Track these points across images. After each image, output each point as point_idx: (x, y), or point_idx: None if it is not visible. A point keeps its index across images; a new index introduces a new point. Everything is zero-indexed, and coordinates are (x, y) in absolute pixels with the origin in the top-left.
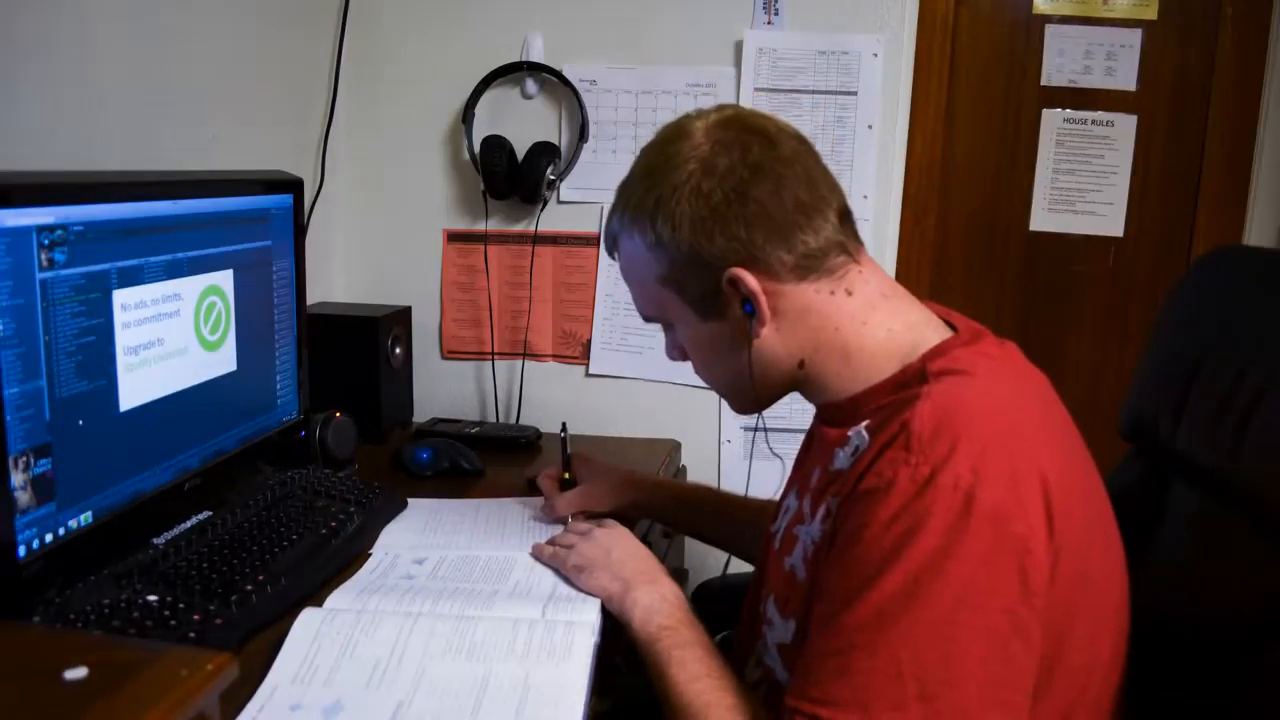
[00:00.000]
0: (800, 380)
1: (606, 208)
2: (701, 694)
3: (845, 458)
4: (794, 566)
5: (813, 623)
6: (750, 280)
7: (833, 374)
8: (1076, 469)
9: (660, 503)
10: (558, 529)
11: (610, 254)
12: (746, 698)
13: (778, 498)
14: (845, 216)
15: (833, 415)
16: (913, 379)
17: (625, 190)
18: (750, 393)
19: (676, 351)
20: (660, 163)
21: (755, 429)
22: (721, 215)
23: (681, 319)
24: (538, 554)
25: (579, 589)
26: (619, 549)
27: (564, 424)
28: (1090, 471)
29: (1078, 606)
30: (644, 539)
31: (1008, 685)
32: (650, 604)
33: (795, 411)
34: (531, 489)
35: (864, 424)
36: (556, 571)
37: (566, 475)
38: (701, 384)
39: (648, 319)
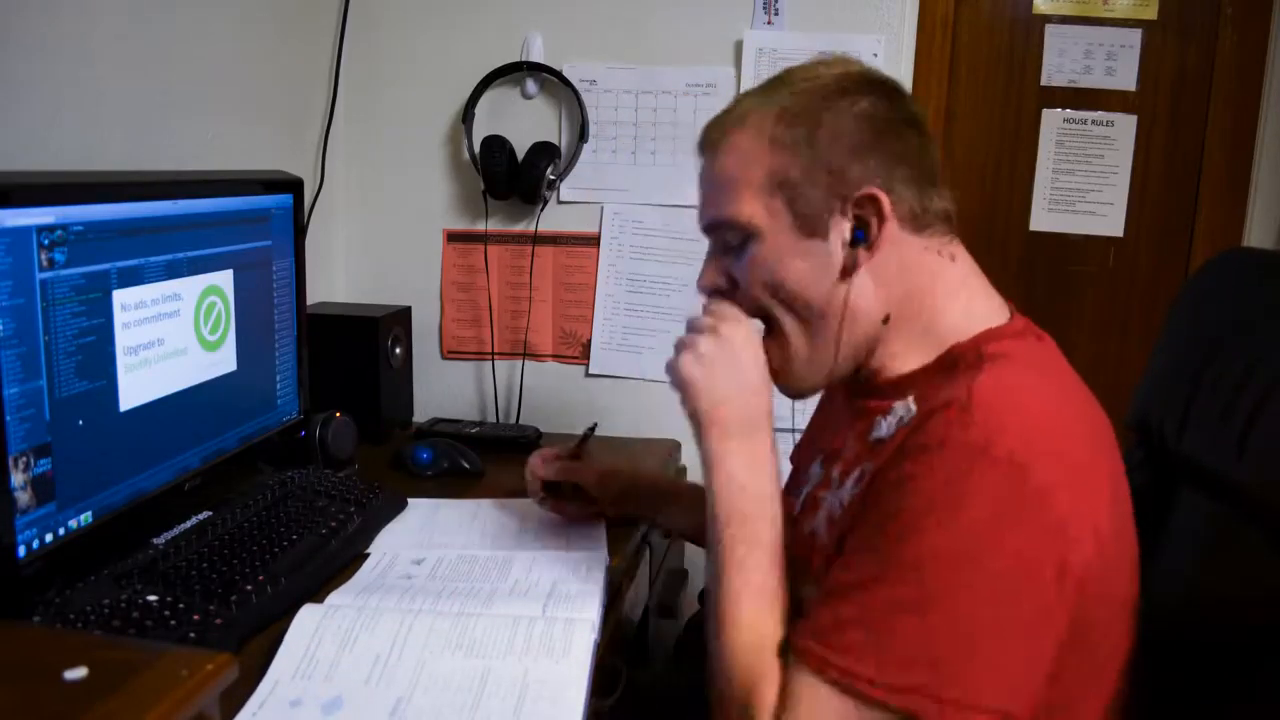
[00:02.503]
0: (873, 344)
1: (607, 207)
2: (750, 610)
3: (888, 427)
4: (816, 529)
5: (836, 568)
6: (886, 202)
7: (905, 340)
8: (1117, 470)
9: (662, 503)
10: (559, 525)
11: (702, 152)
12: (781, 627)
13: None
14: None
15: (878, 388)
16: (968, 356)
17: (767, 88)
18: (827, 346)
19: (723, 278)
20: (819, 83)
21: None
22: (882, 141)
23: (775, 230)
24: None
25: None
26: (741, 367)
27: (595, 424)
28: (1123, 475)
29: (1106, 606)
30: (643, 539)
31: (1025, 670)
32: (739, 471)
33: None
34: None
35: (910, 397)
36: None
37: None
38: (748, 296)
39: (721, 224)
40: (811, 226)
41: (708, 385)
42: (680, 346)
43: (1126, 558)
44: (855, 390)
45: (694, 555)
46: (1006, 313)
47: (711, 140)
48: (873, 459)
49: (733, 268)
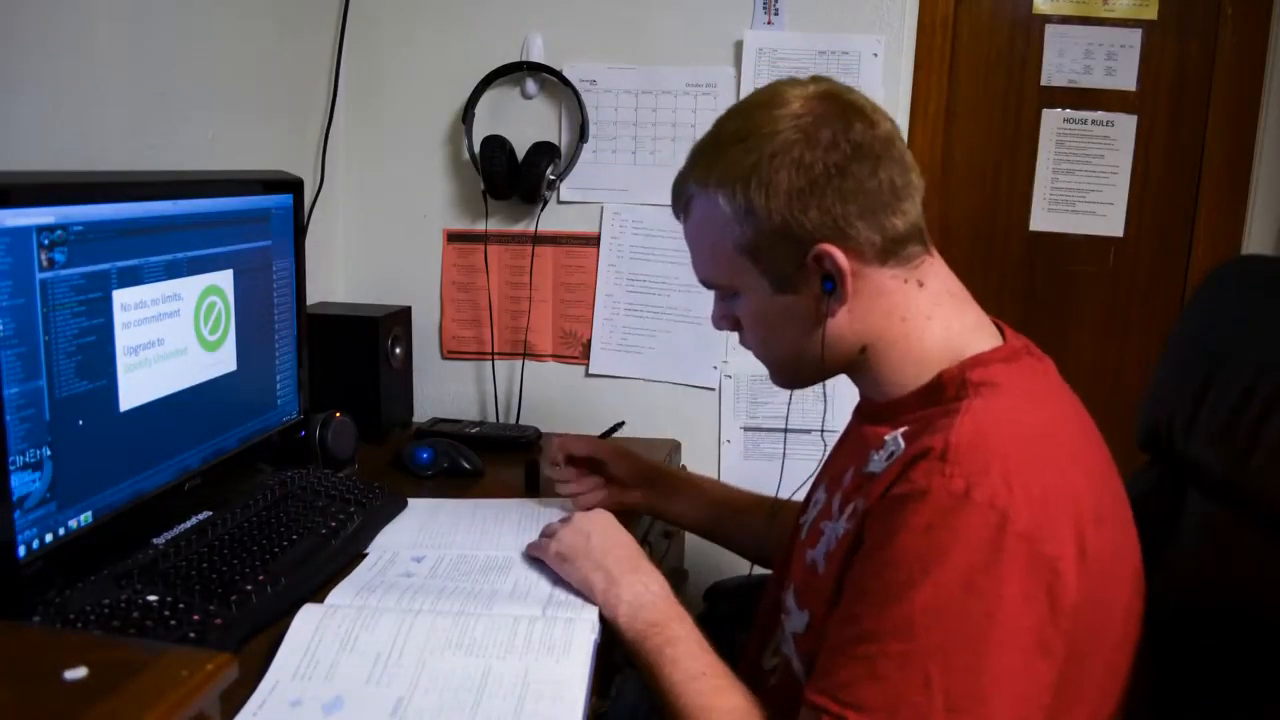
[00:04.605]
0: (856, 366)
1: (607, 207)
2: (700, 694)
3: (880, 461)
4: (815, 560)
5: (838, 619)
6: (840, 257)
7: (889, 367)
8: (1107, 493)
9: (683, 490)
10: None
11: (677, 215)
12: (747, 696)
13: (807, 489)
14: (922, 205)
15: (874, 413)
16: (953, 387)
17: (709, 152)
18: (807, 368)
19: (726, 322)
20: (756, 128)
21: (755, 429)
22: (820, 188)
23: (751, 289)
24: (528, 549)
25: (564, 579)
26: (598, 534)
27: (622, 423)
28: (1120, 494)
29: (1101, 630)
30: (643, 539)
31: (1031, 703)
32: (634, 598)
33: (795, 412)
34: (530, 486)
35: (901, 430)
36: (547, 568)
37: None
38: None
39: (708, 284)
40: (783, 284)
41: (590, 572)
42: (543, 547)
43: (1125, 582)
44: (859, 413)
45: (694, 556)
46: (993, 331)
47: (679, 205)
48: (864, 496)
49: (734, 310)
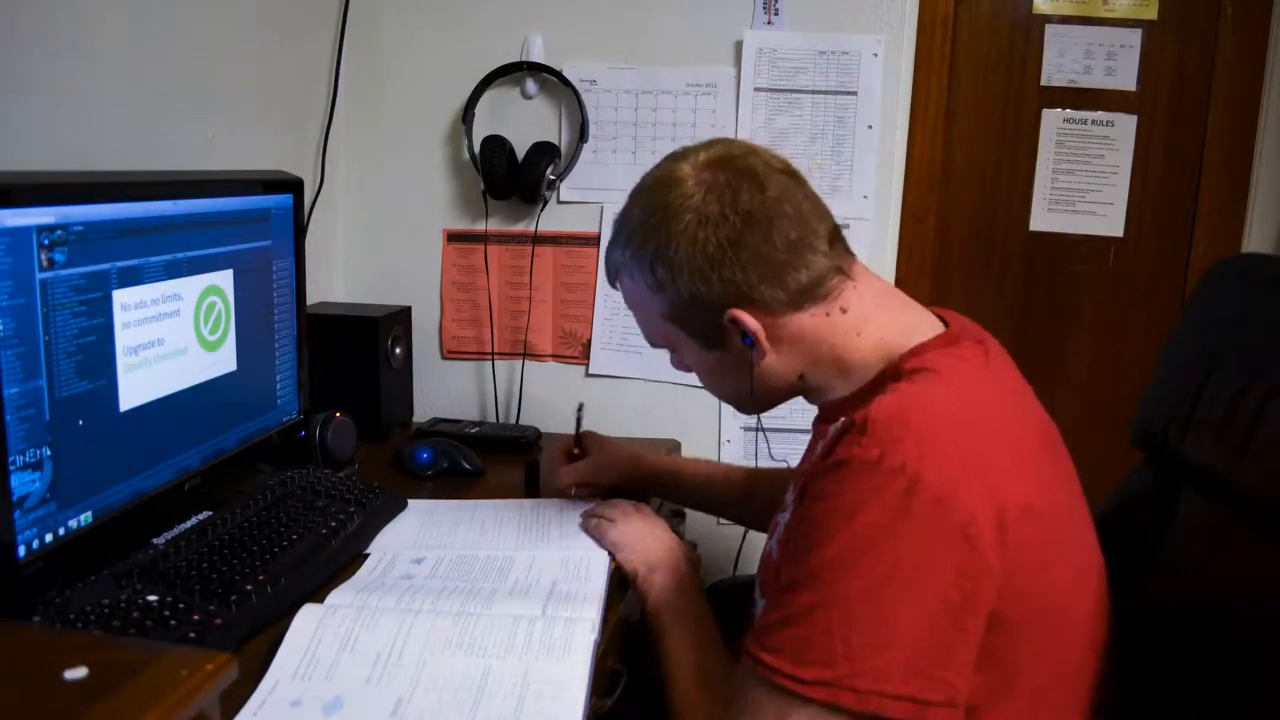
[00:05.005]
0: (801, 389)
1: (607, 207)
2: (687, 651)
3: (823, 447)
4: (771, 549)
5: (772, 575)
6: (748, 320)
7: (829, 383)
8: (1043, 477)
9: (666, 481)
10: (558, 525)
11: (611, 284)
12: (730, 663)
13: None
14: (835, 238)
15: (828, 412)
16: (888, 376)
17: (623, 232)
18: (752, 404)
19: (683, 367)
20: (655, 209)
21: (755, 429)
22: (717, 262)
23: (686, 348)
24: (583, 523)
25: (606, 552)
26: (652, 537)
27: (581, 403)
28: (1063, 479)
29: (1034, 620)
30: None
31: (935, 661)
32: (667, 584)
33: (794, 412)
34: (531, 485)
35: (843, 419)
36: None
37: (576, 450)
38: (701, 384)
39: (654, 345)
40: (711, 342)
41: (639, 563)
42: (603, 527)
43: (1066, 565)
44: (817, 417)
45: None
46: (934, 322)
47: (610, 275)
48: (808, 478)
49: (683, 360)
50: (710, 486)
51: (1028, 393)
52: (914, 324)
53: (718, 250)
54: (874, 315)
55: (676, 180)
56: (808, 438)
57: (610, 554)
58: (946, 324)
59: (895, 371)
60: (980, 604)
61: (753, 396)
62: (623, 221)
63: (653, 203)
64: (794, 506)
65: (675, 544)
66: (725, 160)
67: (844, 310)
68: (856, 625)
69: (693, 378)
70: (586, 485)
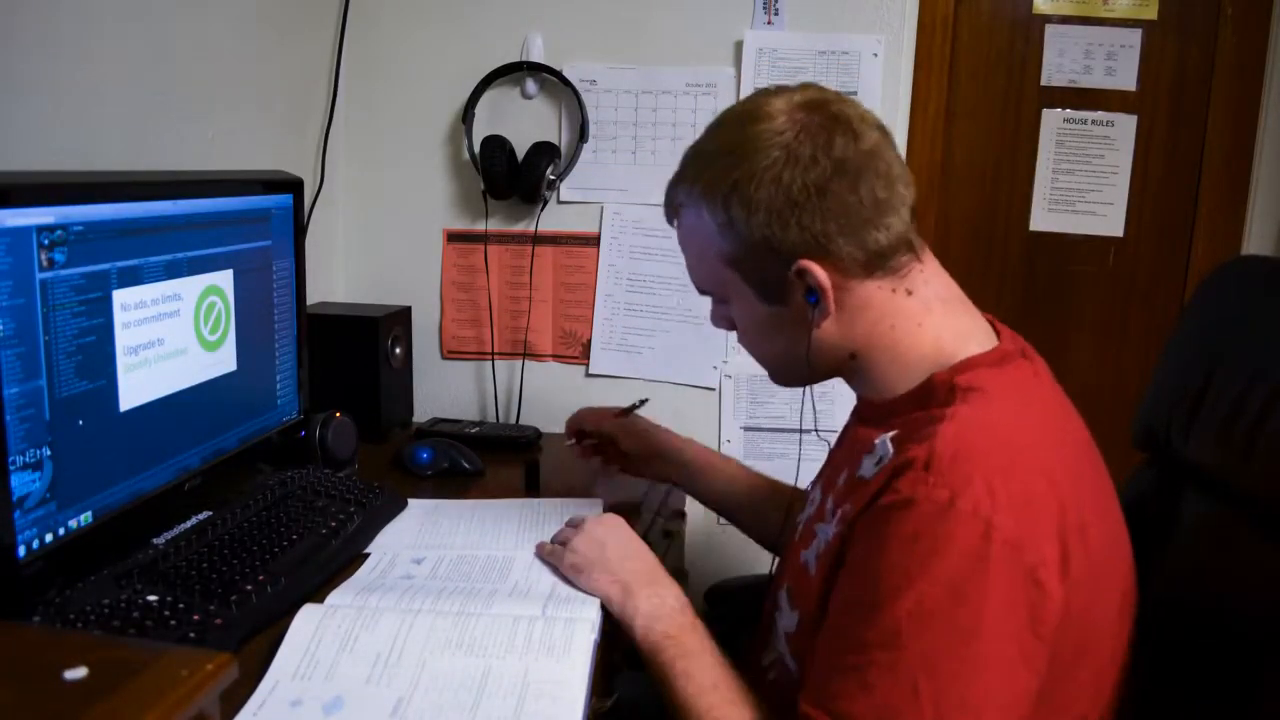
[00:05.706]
0: (848, 370)
1: (607, 207)
2: (711, 708)
3: (870, 467)
4: (808, 561)
5: (828, 629)
6: (820, 274)
7: (879, 371)
8: (1093, 498)
9: (692, 473)
10: (558, 526)
11: (670, 220)
12: (757, 708)
13: (809, 486)
14: (913, 213)
15: (869, 414)
16: (942, 392)
17: (696, 163)
18: (798, 373)
19: (724, 322)
20: (740, 143)
21: (755, 429)
22: (799, 207)
23: (740, 298)
24: (539, 551)
25: (580, 590)
26: (614, 544)
27: (646, 399)
28: (1109, 499)
29: (1088, 646)
30: (644, 538)
31: (1014, 711)
32: (651, 610)
33: (794, 412)
34: (531, 485)
35: (890, 434)
36: (558, 571)
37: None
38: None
39: (700, 290)
40: (770, 294)
41: (607, 585)
42: (557, 556)
43: (1113, 591)
44: (855, 414)
45: (695, 556)
46: (988, 333)
47: (670, 211)
48: (853, 500)
49: (728, 313)
50: (732, 491)
51: (1069, 407)
52: (970, 330)
53: (802, 193)
54: (937, 309)
55: (768, 115)
56: (808, 438)
57: (571, 582)
58: (999, 334)
59: (947, 384)
60: (1048, 646)
61: (800, 363)
62: (697, 151)
63: (738, 136)
64: (836, 527)
65: (643, 550)
66: (821, 104)
67: (910, 293)
68: (943, 683)
69: (692, 377)
70: (594, 439)
